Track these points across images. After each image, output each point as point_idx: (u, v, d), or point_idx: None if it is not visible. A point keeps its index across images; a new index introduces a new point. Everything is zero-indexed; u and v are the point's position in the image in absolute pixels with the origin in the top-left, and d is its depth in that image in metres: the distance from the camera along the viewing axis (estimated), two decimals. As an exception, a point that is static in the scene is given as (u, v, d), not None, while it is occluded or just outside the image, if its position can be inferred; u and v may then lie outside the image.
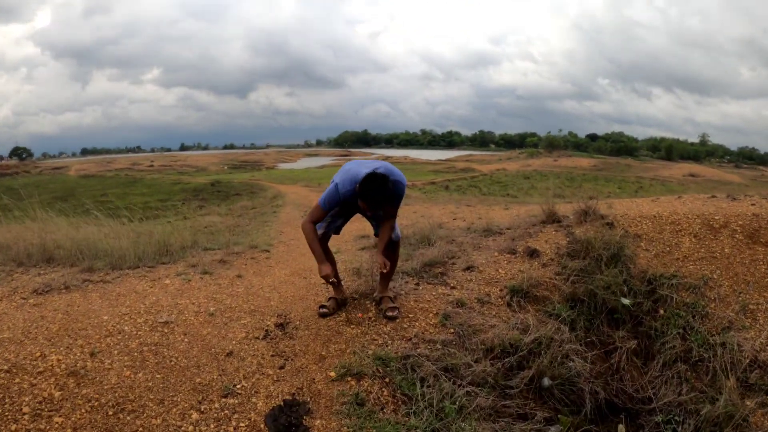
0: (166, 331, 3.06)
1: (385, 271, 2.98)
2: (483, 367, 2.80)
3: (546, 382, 2.95)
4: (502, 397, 2.77)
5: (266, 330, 3.11)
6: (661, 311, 3.73)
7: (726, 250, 4.22)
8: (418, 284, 3.85)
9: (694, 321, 3.58)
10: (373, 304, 3.38)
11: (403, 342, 2.96)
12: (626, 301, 3.84)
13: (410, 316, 3.23)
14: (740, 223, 4.46)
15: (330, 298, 3.35)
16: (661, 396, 3.05)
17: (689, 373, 3.21)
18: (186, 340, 2.97)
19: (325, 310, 3.24)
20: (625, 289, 3.89)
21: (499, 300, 3.67)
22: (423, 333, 3.06)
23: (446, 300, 3.53)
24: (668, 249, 4.41)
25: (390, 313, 3.15)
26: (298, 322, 3.19)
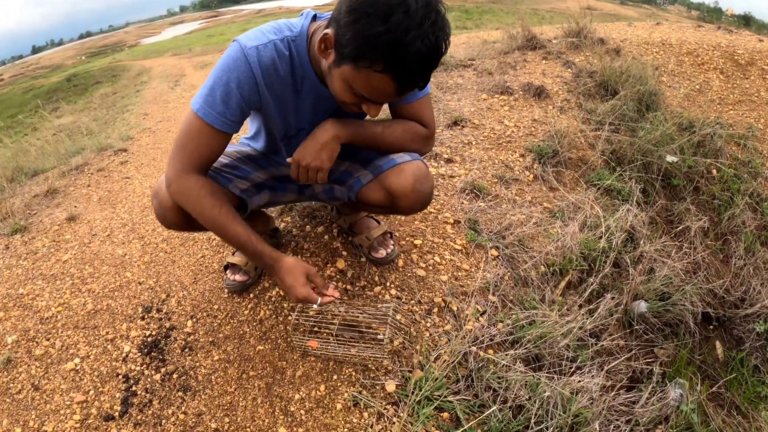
0: None
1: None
2: (573, 318, 1.66)
3: (642, 306, 1.97)
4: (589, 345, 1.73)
5: (124, 356, 1.47)
6: (715, 171, 2.92)
7: (762, 93, 3.47)
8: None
9: (757, 184, 2.83)
10: (339, 237, 1.72)
11: (434, 320, 1.47)
12: (673, 159, 2.94)
13: (416, 243, 1.73)
14: None
15: None
16: (755, 296, 2.32)
17: (774, 257, 2.51)
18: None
19: (238, 277, 1.57)
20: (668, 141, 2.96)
21: (526, 172, 2.45)
22: (457, 278, 1.62)
23: (453, 187, 2.19)
24: (697, 87, 3.52)
25: (379, 253, 1.59)
26: (186, 321, 1.54)
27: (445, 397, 1.18)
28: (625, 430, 1.41)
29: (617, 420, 1.44)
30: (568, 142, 2.62)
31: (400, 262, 1.59)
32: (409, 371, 1.27)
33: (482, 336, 1.37)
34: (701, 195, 2.78)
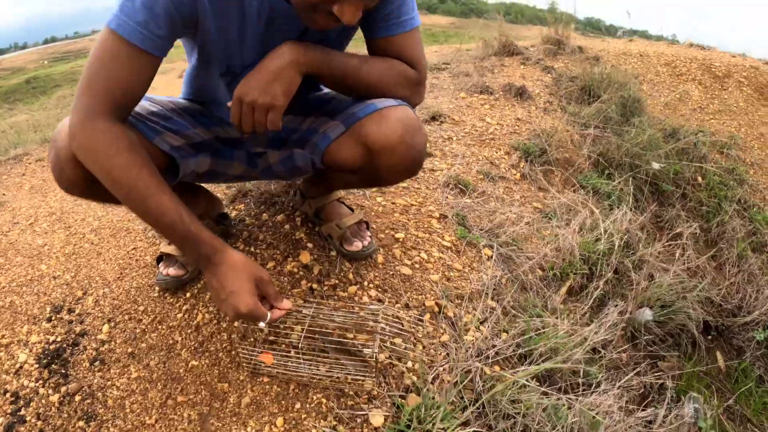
0: None
1: None
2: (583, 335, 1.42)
3: (648, 314, 1.76)
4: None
5: (17, 367, 1.12)
6: (700, 179, 2.80)
7: (741, 103, 3.43)
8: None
9: (742, 191, 2.73)
10: (303, 227, 1.38)
11: (426, 329, 1.19)
12: (658, 165, 2.81)
13: (397, 236, 1.42)
14: (744, 74, 3.73)
15: None
16: (751, 304, 2.17)
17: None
18: None
19: (172, 271, 1.23)
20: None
21: (513, 170, 2.24)
22: (449, 279, 1.33)
23: (435, 181, 1.94)
24: (678, 96, 3.45)
25: (353, 246, 1.27)
26: (102, 326, 1.20)
27: (453, 430, 0.89)
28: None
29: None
30: (557, 140, 2.44)
31: (380, 258, 1.31)
32: (401, 396, 0.98)
33: (487, 349, 1.09)
34: (689, 201, 2.65)
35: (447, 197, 1.81)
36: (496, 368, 1.07)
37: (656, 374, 1.62)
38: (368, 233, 1.32)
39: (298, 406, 0.99)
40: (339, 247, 1.27)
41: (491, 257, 1.54)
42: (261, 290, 0.88)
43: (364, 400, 0.98)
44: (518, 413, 0.95)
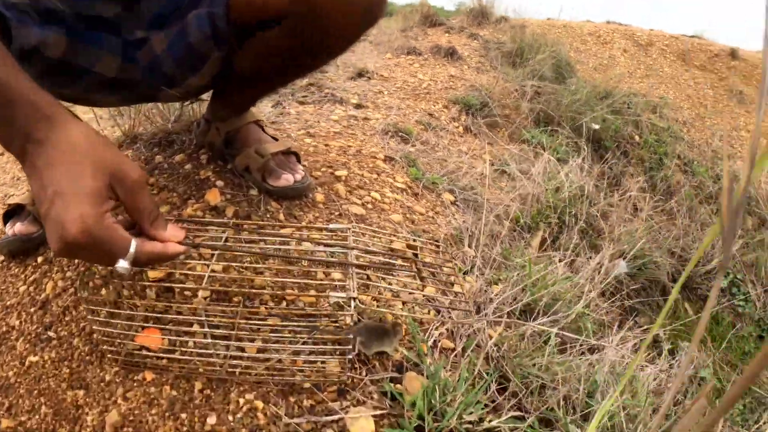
0: None
1: None
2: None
3: (623, 266, 1.57)
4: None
5: None
6: (637, 138, 2.77)
7: (666, 68, 3.52)
8: (281, 104, 1.79)
9: (679, 147, 2.73)
10: (210, 165, 0.98)
11: (402, 280, 0.90)
12: (594, 126, 2.74)
13: (338, 175, 1.06)
14: (666, 43, 3.89)
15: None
16: (709, 252, 2.11)
17: (717, 215, 2.36)
18: None
19: (20, 227, 0.81)
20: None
21: (454, 123, 2.00)
22: (413, 222, 1.03)
23: (371, 128, 1.63)
24: (605, 62, 3.46)
25: (281, 180, 0.90)
26: None
27: (486, 419, 0.56)
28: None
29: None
30: (500, 91, 2.26)
31: (319, 197, 0.96)
32: (394, 380, 0.64)
33: (484, 304, 0.79)
34: (631, 159, 2.59)
35: (388, 143, 1.51)
36: (498, 329, 0.77)
37: (643, 329, 1.44)
38: (300, 167, 0.97)
39: (212, 420, 0.59)
40: (261, 183, 0.91)
41: (454, 202, 1.26)
42: (125, 200, 0.48)
43: (332, 394, 0.61)
44: (553, 383, 0.65)
